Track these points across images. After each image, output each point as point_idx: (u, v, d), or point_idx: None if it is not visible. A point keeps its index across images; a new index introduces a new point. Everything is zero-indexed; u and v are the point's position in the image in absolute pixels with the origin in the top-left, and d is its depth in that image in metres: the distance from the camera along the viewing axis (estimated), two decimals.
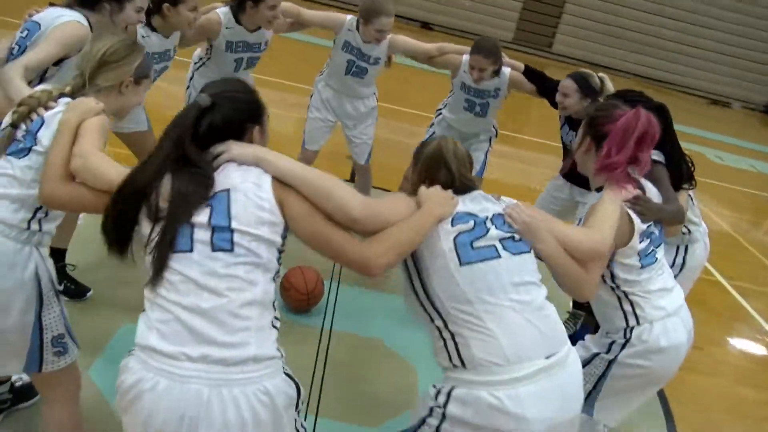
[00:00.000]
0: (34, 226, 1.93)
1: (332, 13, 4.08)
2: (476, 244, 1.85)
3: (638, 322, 2.25)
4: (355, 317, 3.64)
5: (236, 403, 1.54)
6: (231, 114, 1.77)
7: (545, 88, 3.81)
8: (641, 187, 2.31)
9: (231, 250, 1.62)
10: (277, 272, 1.72)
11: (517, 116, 4.24)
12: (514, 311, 1.82)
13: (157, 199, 1.65)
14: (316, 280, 3.49)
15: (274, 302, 1.70)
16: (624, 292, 2.25)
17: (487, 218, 1.91)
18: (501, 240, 1.88)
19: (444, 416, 1.80)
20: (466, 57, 3.98)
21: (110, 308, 3.23)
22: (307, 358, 3.17)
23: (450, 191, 1.94)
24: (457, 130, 4.23)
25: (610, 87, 3.46)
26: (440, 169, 2.01)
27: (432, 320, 1.88)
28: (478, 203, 1.96)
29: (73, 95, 2.02)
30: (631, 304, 2.25)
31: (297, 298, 3.45)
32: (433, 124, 4.44)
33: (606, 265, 2.17)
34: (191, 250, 1.62)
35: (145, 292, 1.66)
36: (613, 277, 2.24)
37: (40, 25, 2.52)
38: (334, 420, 2.84)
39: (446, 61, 4.13)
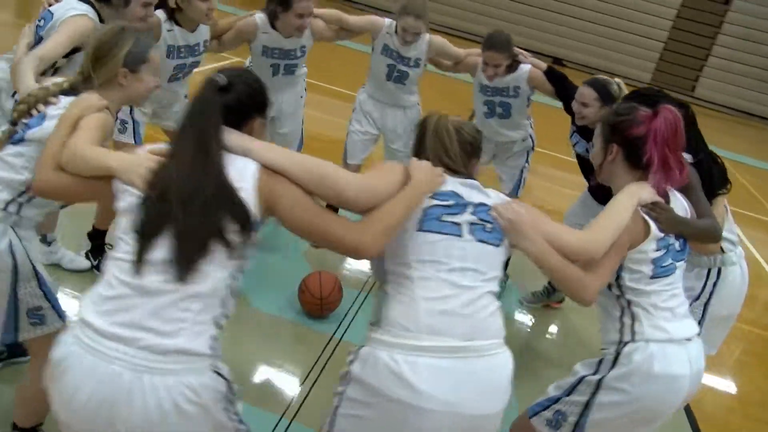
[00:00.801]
0: (12, 208, 1.98)
1: (373, 17, 3.99)
2: (444, 218, 1.82)
3: (633, 338, 2.03)
4: None
5: (156, 393, 1.50)
6: (243, 98, 1.75)
7: (564, 91, 3.57)
8: (666, 196, 2.12)
9: None
10: (241, 270, 1.68)
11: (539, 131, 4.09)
12: (448, 287, 1.76)
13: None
14: (332, 287, 3.40)
15: (226, 299, 1.65)
16: (628, 302, 2.05)
17: (470, 203, 1.86)
18: (471, 224, 1.83)
19: (349, 378, 1.76)
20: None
21: None
22: (303, 363, 3.09)
23: (440, 168, 1.91)
24: (492, 141, 4.00)
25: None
26: (421, 144, 2.01)
27: (383, 281, 1.89)
28: (468, 189, 1.90)
29: (73, 91, 2.02)
30: (632, 316, 2.05)
31: (310, 302, 3.40)
32: None
33: (615, 270, 2.02)
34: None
35: (105, 267, 1.65)
36: (619, 282, 2.05)
37: (53, 15, 2.56)
38: (308, 427, 2.71)
39: (468, 64, 3.97)
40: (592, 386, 2.05)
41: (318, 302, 3.37)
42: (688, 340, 2.07)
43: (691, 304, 2.68)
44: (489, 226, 1.85)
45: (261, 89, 1.82)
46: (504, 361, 1.78)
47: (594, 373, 2.06)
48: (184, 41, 3.25)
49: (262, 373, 3.04)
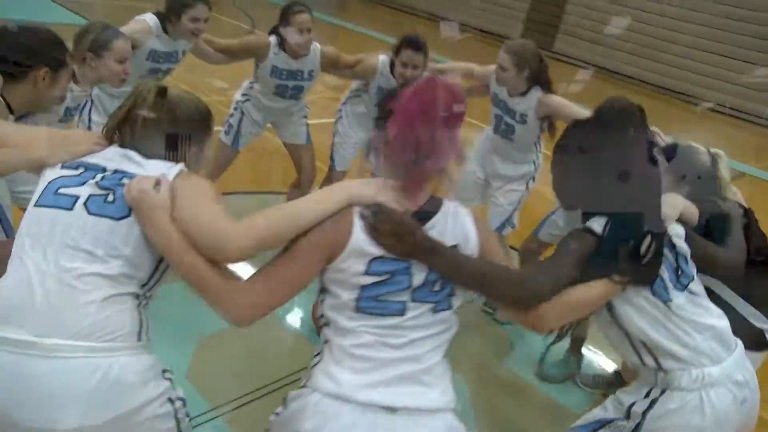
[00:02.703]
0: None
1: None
2: (62, 190, 1.57)
3: (306, 383, 1.62)
4: None
5: None
6: (25, 45, 1.96)
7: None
8: (435, 205, 1.57)
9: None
10: None
11: None
12: (24, 270, 1.47)
13: None
14: None
15: None
16: (326, 340, 1.62)
17: (104, 170, 1.59)
18: (91, 195, 1.54)
19: None
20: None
21: None
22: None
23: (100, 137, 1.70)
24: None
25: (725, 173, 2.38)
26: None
27: None
28: (120, 157, 1.62)
29: None
30: (320, 355, 1.64)
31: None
32: None
33: (293, 287, 1.52)
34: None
35: None
36: (323, 305, 1.59)
37: None
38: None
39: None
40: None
41: None
42: (392, 410, 1.45)
43: (612, 421, 1.85)
44: (112, 196, 1.53)
45: (47, 41, 1.97)
46: (80, 367, 1.41)
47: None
48: (287, 66, 3.70)
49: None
